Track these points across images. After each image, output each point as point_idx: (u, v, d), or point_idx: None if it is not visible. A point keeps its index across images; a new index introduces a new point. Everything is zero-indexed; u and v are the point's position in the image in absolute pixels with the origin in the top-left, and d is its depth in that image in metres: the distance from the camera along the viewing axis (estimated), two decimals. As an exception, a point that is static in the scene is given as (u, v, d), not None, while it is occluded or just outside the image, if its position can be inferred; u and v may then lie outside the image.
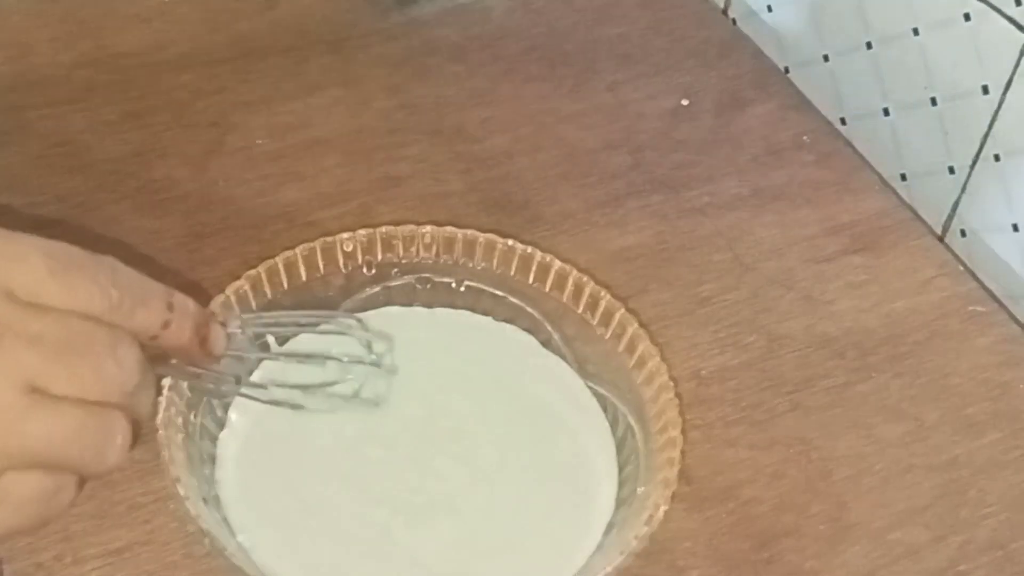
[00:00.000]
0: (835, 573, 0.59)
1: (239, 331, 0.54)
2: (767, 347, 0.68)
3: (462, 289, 0.65)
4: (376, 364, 0.60)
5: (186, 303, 0.49)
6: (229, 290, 0.60)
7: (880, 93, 0.80)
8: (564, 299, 0.63)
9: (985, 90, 0.72)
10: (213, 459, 0.58)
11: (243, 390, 0.57)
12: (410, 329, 0.64)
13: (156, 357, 0.48)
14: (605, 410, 0.62)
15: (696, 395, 0.65)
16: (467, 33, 0.85)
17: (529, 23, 0.87)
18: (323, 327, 0.60)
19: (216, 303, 0.59)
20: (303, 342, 0.61)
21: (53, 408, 0.43)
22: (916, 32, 0.75)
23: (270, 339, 0.61)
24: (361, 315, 0.64)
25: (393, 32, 0.85)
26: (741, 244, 0.73)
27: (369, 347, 0.60)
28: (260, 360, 0.59)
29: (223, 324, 0.52)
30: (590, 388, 0.63)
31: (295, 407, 0.58)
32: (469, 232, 0.64)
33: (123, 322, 0.45)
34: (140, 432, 0.47)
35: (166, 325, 0.47)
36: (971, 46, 0.72)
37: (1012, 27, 0.69)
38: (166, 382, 0.56)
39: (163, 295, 0.48)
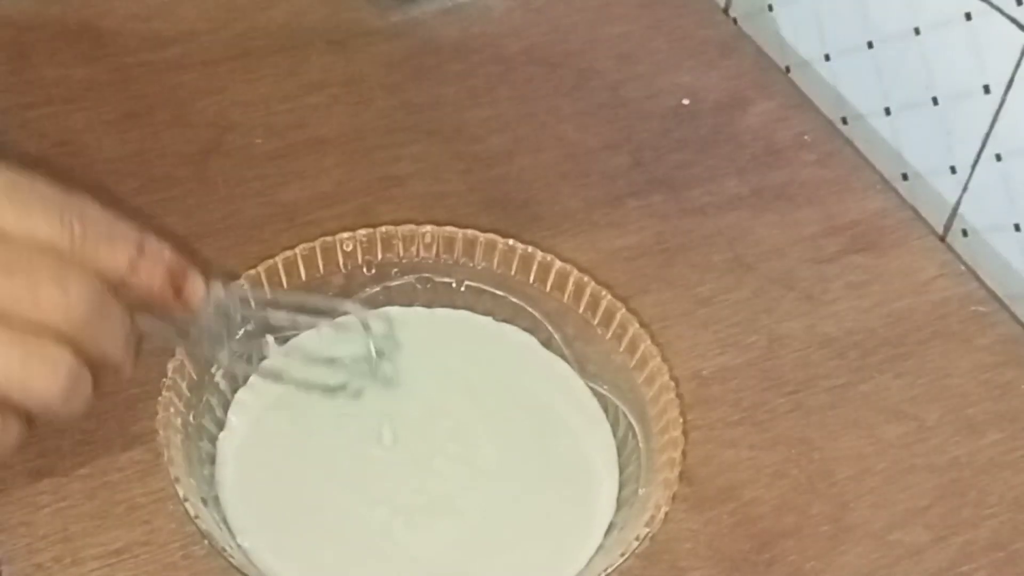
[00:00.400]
0: (836, 574, 0.59)
1: (223, 293, 0.53)
2: (768, 347, 0.68)
3: (462, 289, 0.65)
4: (379, 352, 0.59)
5: (160, 249, 0.48)
6: (228, 290, 0.60)
7: (881, 92, 0.80)
8: (565, 299, 0.63)
9: (987, 89, 0.72)
10: (212, 460, 0.58)
11: (238, 359, 0.57)
12: (410, 329, 0.64)
13: (136, 308, 0.48)
14: (606, 410, 0.62)
15: (697, 395, 0.64)
16: (467, 32, 0.85)
17: (529, 23, 0.87)
18: (317, 308, 0.59)
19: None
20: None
21: None
22: (917, 31, 0.75)
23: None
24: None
25: (393, 32, 0.85)
26: (742, 244, 0.73)
27: (368, 330, 0.59)
28: (249, 325, 0.58)
29: (207, 283, 0.51)
30: (591, 388, 0.63)
31: (299, 384, 0.58)
32: (469, 232, 0.64)
33: (85, 257, 0.45)
34: (101, 376, 0.47)
35: (133, 267, 0.47)
36: (972, 45, 0.72)
37: (1013, 26, 0.69)
38: (167, 381, 0.56)
39: (133, 237, 0.47)
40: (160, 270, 0.48)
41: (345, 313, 0.59)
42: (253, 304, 0.58)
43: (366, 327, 0.59)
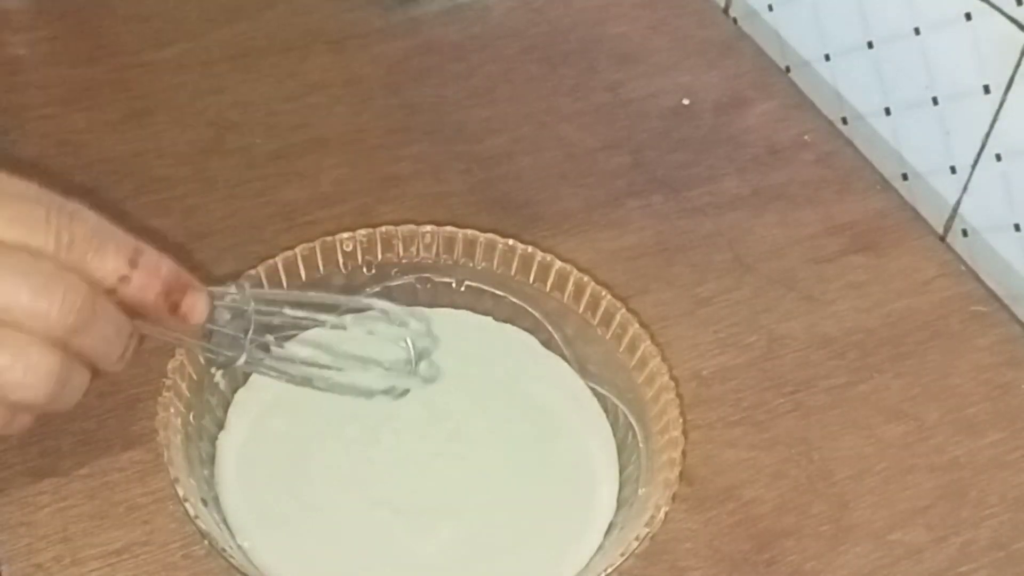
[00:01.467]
0: (836, 574, 0.59)
1: (232, 305, 0.53)
2: (768, 347, 0.68)
3: (462, 289, 0.65)
4: (420, 351, 0.59)
5: (158, 263, 0.48)
6: (229, 290, 0.60)
7: (881, 92, 0.79)
8: (565, 299, 0.63)
9: (986, 89, 0.72)
10: (212, 460, 0.58)
11: (257, 361, 0.56)
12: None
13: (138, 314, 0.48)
14: (606, 410, 0.62)
15: (697, 395, 0.64)
16: (467, 32, 0.85)
17: (529, 23, 0.87)
18: (342, 306, 0.59)
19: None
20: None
21: None
22: (917, 31, 0.75)
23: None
24: (360, 315, 0.64)
25: (393, 32, 0.85)
26: (742, 244, 0.73)
27: (404, 327, 0.59)
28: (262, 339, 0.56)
29: (212, 294, 0.50)
30: (591, 388, 0.63)
31: (335, 389, 0.57)
32: (469, 232, 0.64)
33: (74, 266, 0.45)
34: (97, 377, 0.47)
35: (124, 279, 0.46)
36: (972, 45, 0.72)
37: (1013, 27, 0.69)
38: (167, 381, 0.56)
39: (125, 248, 0.47)
40: (153, 284, 0.48)
41: (376, 310, 0.59)
42: (270, 303, 0.56)
43: (404, 324, 0.59)
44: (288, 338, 0.60)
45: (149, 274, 0.47)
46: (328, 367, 0.60)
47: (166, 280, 0.48)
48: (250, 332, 0.54)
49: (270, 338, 0.56)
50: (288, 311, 0.56)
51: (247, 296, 0.54)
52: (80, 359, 0.47)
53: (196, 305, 0.50)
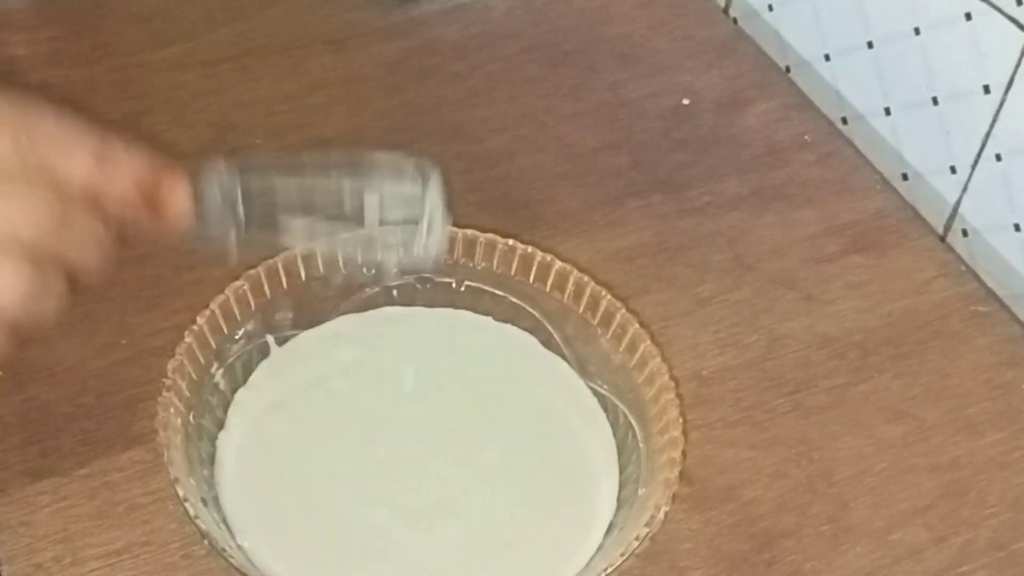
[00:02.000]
0: (836, 574, 0.59)
1: (224, 174, 0.49)
2: (768, 347, 0.68)
3: (462, 289, 0.65)
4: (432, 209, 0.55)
5: (127, 159, 0.45)
6: (229, 290, 0.60)
7: (881, 92, 0.80)
8: (565, 299, 0.63)
9: (986, 89, 0.72)
10: (212, 460, 0.58)
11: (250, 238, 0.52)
12: (410, 329, 0.64)
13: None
14: (606, 410, 0.62)
15: (697, 395, 0.64)
16: (467, 33, 0.85)
17: (529, 23, 0.87)
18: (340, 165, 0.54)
19: (216, 303, 0.59)
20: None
21: None
22: (917, 31, 0.75)
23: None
24: (361, 315, 0.64)
25: (393, 32, 0.85)
26: (742, 244, 0.73)
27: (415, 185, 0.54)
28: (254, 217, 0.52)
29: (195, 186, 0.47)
30: (591, 388, 0.63)
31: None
32: (469, 232, 0.64)
33: (39, 170, 0.43)
34: (76, 287, 0.45)
35: (92, 178, 0.44)
36: (972, 45, 0.72)
37: (1013, 26, 0.69)
38: (167, 381, 0.56)
39: (89, 145, 0.44)
40: (124, 183, 0.45)
41: (374, 165, 0.53)
42: (261, 174, 0.52)
43: (424, 176, 0.54)
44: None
45: (118, 172, 0.45)
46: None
47: (139, 174, 0.45)
48: (239, 205, 0.50)
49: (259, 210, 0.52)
50: (279, 179, 0.52)
51: (234, 172, 0.49)
52: (55, 267, 0.44)
53: (176, 198, 0.46)
